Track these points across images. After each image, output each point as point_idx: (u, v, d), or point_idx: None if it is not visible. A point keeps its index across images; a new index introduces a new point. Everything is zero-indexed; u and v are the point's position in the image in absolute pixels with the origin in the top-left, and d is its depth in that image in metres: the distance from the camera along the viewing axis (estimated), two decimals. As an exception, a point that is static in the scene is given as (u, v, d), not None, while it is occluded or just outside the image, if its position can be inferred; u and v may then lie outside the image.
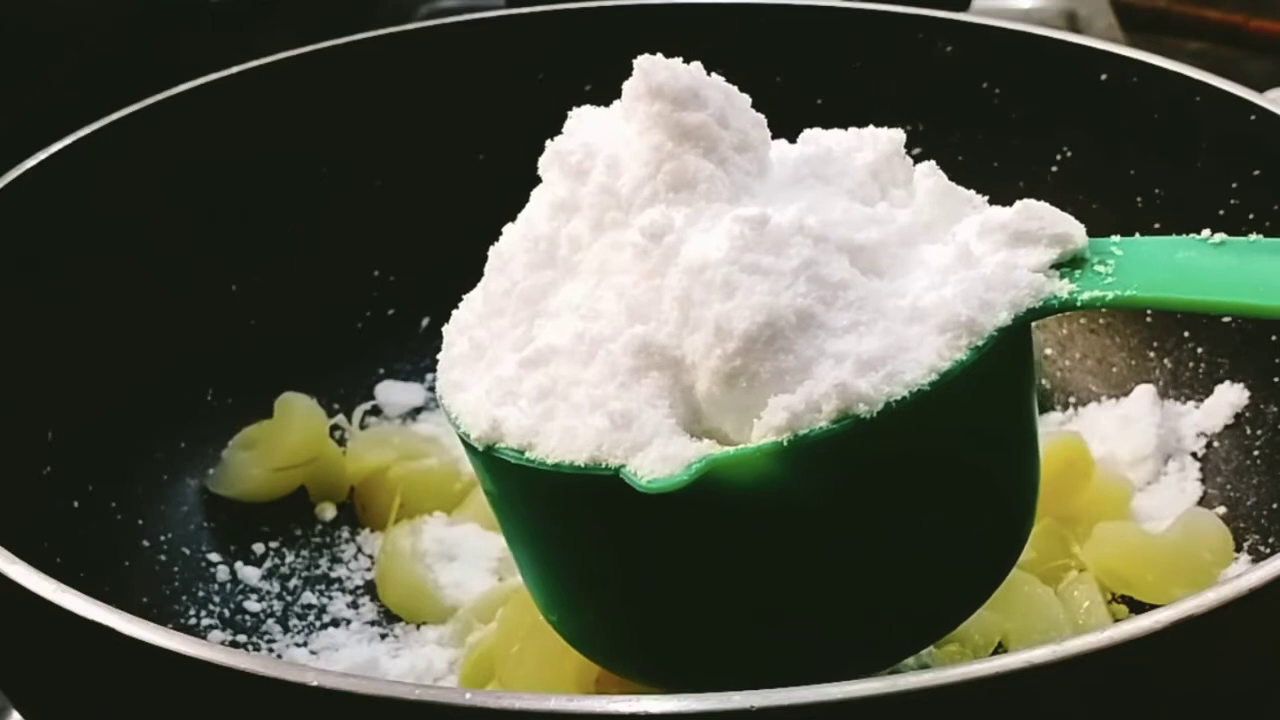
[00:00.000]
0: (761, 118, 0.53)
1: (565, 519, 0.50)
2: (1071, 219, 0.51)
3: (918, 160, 0.55)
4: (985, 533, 0.52)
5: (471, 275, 0.82)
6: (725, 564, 0.48)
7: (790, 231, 0.47)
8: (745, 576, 0.48)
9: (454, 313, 0.55)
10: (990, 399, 0.49)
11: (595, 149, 0.52)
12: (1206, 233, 0.51)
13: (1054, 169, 0.75)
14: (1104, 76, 0.73)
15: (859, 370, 0.45)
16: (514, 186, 0.82)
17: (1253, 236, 0.50)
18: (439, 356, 0.54)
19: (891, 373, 0.45)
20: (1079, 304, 0.48)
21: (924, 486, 0.48)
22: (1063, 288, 0.49)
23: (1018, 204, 0.51)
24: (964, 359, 0.46)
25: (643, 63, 0.52)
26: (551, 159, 0.53)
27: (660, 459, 0.45)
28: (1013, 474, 0.52)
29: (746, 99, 0.53)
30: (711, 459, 0.45)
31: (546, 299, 0.51)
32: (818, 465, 0.45)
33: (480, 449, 0.49)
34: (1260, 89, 0.71)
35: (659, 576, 0.49)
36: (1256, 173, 0.68)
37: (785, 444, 0.45)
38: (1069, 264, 0.50)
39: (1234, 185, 0.69)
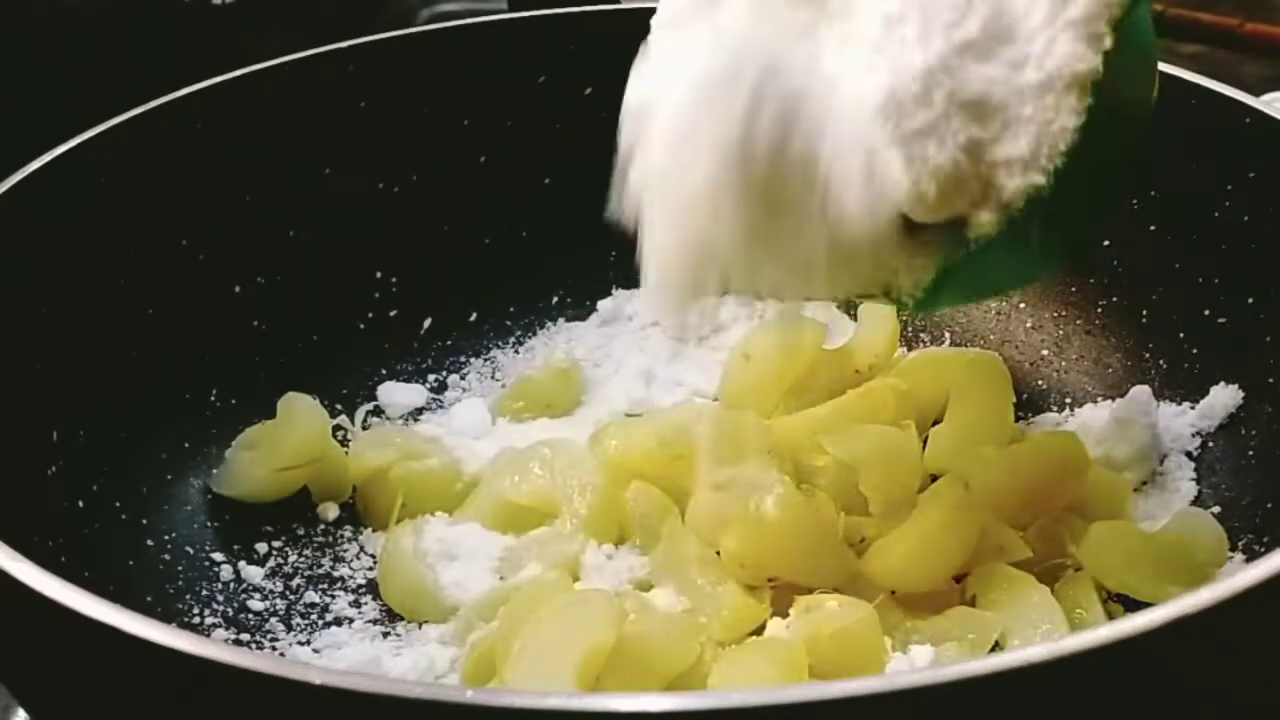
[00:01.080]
0: None
1: None
2: None
3: None
4: None
5: (472, 277, 0.83)
6: None
7: None
8: None
9: None
10: None
11: None
12: None
13: (1051, 171, 0.75)
14: (1101, 79, 0.74)
15: None
16: (515, 188, 0.83)
17: None
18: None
19: None
20: None
21: None
22: None
23: None
24: None
25: None
26: None
27: None
28: None
29: None
30: None
31: None
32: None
33: None
34: (1256, 93, 0.71)
35: None
36: (1252, 175, 0.68)
37: None
38: None
39: (1229, 188, 0.69)
